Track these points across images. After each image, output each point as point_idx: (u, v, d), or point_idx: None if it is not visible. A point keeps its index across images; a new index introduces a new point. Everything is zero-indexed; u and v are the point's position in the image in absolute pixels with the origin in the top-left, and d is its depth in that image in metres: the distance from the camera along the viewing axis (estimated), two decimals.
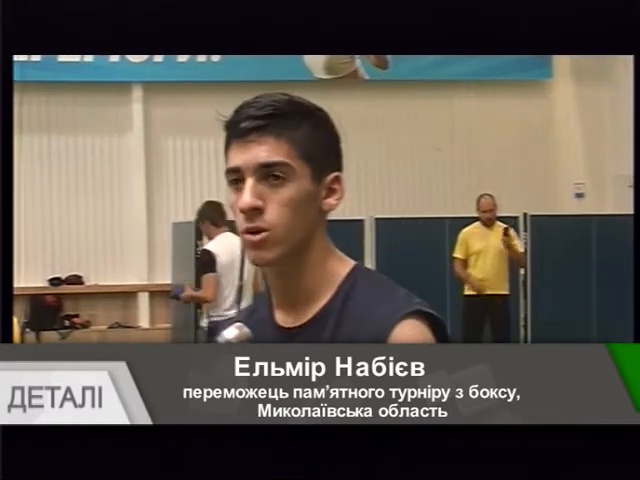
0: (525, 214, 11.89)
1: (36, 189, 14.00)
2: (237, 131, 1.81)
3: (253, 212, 1.78)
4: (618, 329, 8.60)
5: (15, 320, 1.88)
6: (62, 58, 13.62)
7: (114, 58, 13.90)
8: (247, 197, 1.78)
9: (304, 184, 1.81)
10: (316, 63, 14.30)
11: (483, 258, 9.82)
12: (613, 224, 11.18)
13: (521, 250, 10.22)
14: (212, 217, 7.70)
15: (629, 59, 2.09)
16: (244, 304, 7.17)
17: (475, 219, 10.04)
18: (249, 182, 1.78)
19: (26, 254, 13.57)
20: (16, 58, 10.86)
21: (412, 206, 14.70)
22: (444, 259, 10.93)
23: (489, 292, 9.77)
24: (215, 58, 14.13)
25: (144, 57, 13.94)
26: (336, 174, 1.87)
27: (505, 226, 9.87)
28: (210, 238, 7.77)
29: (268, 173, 1.78)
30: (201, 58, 14.18)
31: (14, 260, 2.56)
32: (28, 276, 13.53)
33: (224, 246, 7.53)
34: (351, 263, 1.89)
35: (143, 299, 14.37)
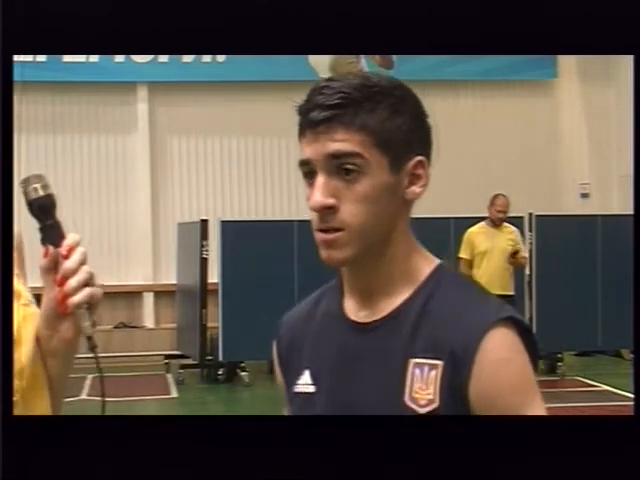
0: (530, 214, 11.87)
1: None
2: (307, 120, 1.65)
3: (326, 211, 1.63)
4: (622, 329, 8.58)
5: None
6: (67, 58, 13.63)
7: (119, 58, 13.91)
8: (318, 196, 1.63)
9: (381, 176, 1.65)
10: (321, 63, 14.29)
11: (488, 258, 9.77)
12: (618, 224, 11.16)
13: (525, 260, 10.16)
14: None
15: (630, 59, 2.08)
16: None
17: (480, 219, 9.98)
18: (320, 178, 1.63)
19: (31, 254, 13.53)
20: (22, 59, 10.79)
21: (417, 206, 14.64)
22: (449, 259, 10.90)
23: (494, 293, 9.72)
24: (220, 58, 14.14)
25: (149, 57, 13.95)
26: (419, 159, 1.73)
27: (515, 249, 9.76)
28: None
29: (339, 166, 1.63)
30: (206, 58, 14.18)
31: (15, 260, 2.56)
32: (33, 276, 13.51)
33: None
34: (436, 261, 1.75)
35: (148, 299, 14.38)
